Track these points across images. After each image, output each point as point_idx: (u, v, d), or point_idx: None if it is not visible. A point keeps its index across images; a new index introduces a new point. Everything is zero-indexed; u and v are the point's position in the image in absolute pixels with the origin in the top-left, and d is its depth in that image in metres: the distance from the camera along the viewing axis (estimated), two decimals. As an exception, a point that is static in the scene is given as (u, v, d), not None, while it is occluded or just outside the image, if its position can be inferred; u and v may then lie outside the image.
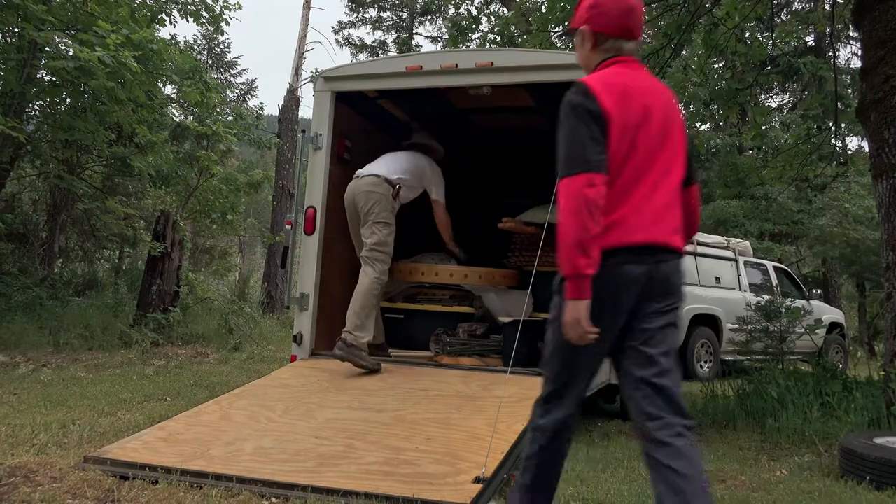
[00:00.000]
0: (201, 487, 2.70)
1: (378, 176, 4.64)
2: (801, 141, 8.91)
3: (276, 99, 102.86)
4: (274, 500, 2.64)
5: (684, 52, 9.92)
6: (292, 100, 15.68)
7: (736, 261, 10.05)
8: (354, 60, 22.63)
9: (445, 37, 21.36)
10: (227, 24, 10.96)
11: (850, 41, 17.71)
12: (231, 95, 24.71)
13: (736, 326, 8.59)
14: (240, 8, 10.85)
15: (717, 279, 9.65)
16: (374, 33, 25.79)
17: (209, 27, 11.51)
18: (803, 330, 7.67)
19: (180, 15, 10.66)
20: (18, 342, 7.22)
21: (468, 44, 10.94)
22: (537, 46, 7.36)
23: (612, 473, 3.43)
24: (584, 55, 2.21)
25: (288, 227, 5.06)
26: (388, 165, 4.75)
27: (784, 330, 7.43)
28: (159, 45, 8.10)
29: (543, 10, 8.36)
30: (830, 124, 8.30)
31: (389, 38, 25.33)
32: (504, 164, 6.51)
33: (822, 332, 9.36)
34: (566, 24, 7.75)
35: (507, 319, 4.77)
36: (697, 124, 12.98)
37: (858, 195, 13.67)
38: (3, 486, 2.68)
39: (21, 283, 9.07)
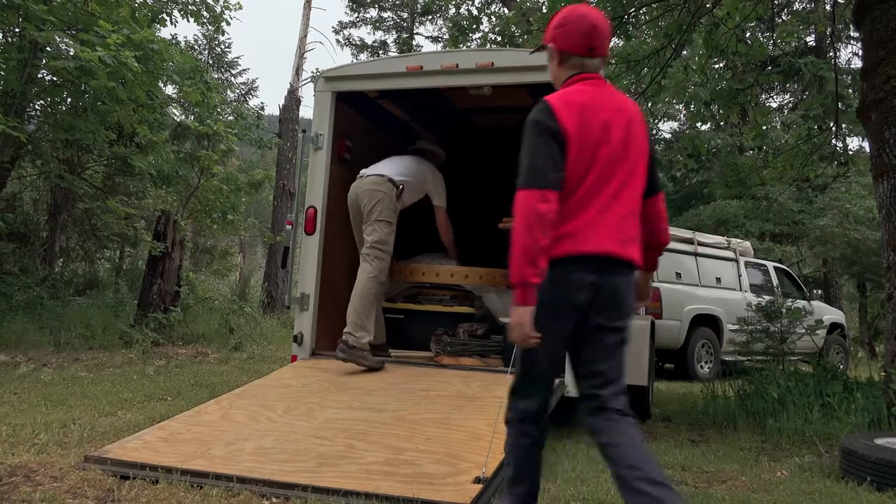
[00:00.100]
0: (202, 487, 2.70)
1: (382, 176, 4.67)
2: (802, 141, 8.90)
3: (276, 99, 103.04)
4: (274, 499, 2.64)
5: (685, 52, 9.91)
6: (293, 100, 15.68)
7: (737, 261, 10.05)
8: (355, 60, 22.64)
9: (446, 37, 21.37)
10: (228, 24, 10.96)
11: (851, 41, 17.71)
12: (232, 95, 24.73)
13: (736, 327, 8.59)
14: (240, 8, 10.85)
15: (718, 279, 9.65)
16: (374, 33, 25.90)
17: (210, 27, 11.51)
18: (804, 330, 7.67)
19: (181, 15, 10.65)
20: (19, 342, 7.23)
21: (469, 44, 10.95)
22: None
23: (612, 474, 3.43)
24: (553, 71, 2.37)
25: (288, 226, 5.07)
26: (392, 167, 4.78)
27: (785, 330, 7.42)
28: (160, 45, 8.10)
29: (544, 11, 8.36)
30: (831, 124, 8.29)
31: (390, 38, 25.36)
32: (504, 164, 6.50)
33: (822, 332, 9.36)
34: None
35: (507, 320, 4.76)
36: (698, 124, 13.00)
37: (859, 195, 13.67)
38: (3, 485, 2.68)
39: (22, 282, 9.08)
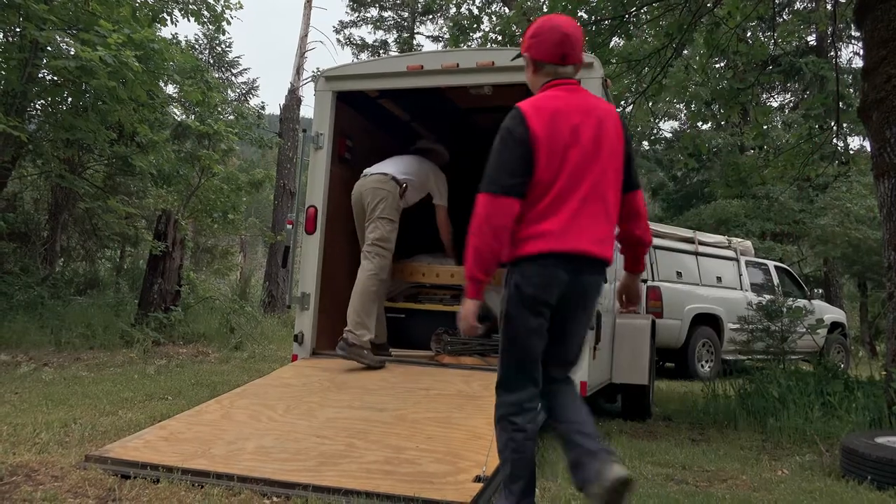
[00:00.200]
0: (202, 486, 2.70)
1: (386, 174, 4.69)
2: (803, 140, 8.90)
3: (277, 98, 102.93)
4: (275, 499, 2.64)
5: (686, 52, 9.91)
6: (293, 99, 15.68)
7: (737, 260, 10.05)
8: (355, 60, 22.63)
9: (446, 36, 21.35)
10: (229, 23, 10.97)
11: (852, 41, 17.69)
12: (232, 95, 24.73)
13: (737, 326, 8.59)
14: (241, 7, 10.87)
15: (719, 279, 9.65)
16: (375, 33, 25.84)
17: (210, 27, 11.52)
18: (805, 329, 7.67)
19: (181, 14, 10.67)
20: (20, 341, 7.23)
21: (469, 43, 10.93)
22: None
23: (613, 473, 3.43)
24: (529, 78, 2.50)
25: (289, 226, 5.06)
26: (395, 166, 4.80)
27: (785, 329, 7.42)
28: (160, 45, 8.10)
29: (545, 10, 8.35)
30: (832, 124, 8.29)
31: (391, 38, 25.35)
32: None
33: (823, 331, 9.36)
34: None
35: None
36: (699, 124, 12.98)
37: (860, 195, 13.66)
38: (4, 484, 2.68)
39: (23, 282, 9.09)
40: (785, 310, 7.50)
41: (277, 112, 16.06)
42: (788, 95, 20.24)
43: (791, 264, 15.28)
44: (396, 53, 23.03)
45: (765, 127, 10.48)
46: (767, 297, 8.30)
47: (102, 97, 7.73)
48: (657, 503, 2.92)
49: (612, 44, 8.51)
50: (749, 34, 10.09)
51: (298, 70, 16.23)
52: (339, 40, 25.80)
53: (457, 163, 5.87)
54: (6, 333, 7.30)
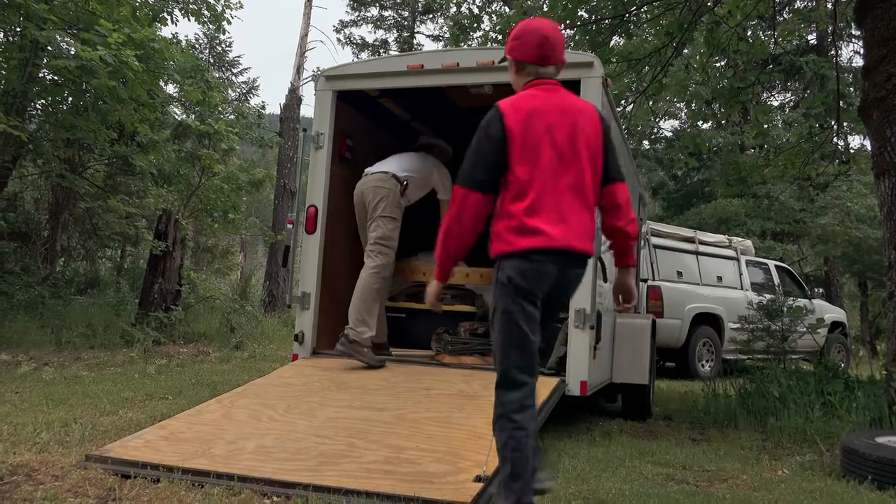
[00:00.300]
0: (202, 486, 2.70)
1: (386, 173, 4.70)
2: (804, 140, 8.90)
3: (277, 98, 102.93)
4: (275, 498, 2.64)
5: (686, 51, 9.90)
6: (294, 98, 15.68)
7: (738, 260, 10.05)
8: (356, 59, 22.62)
9: (447, 35, 21.34)
10: (229, 23, 10.97)
11: (853, 39, 17.68)
12: (233, 94, 24.72)
13: (738, 325, 8.59)
14: (241, 7, 10.86)
15: (719, 278, 9.65)
16: (375, 32, 25.82)
17: (211, 26, 11.52)
18: (805, 329, 7.66)
19: (182, 14, 10.67)
20: (20, 341, 7.23)
21: (470, 42, 10.94)
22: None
23: (613, 472, 3.43)
24: (512, 78, 2.60)
25: (289, 225, 5.07)
26: (396, 164, 4.81)
27: (786, 329, 7.42)
28: (161, 44, 8.10)
29: (545, 9, 8.35)
30: (832, 123, 8.29)
31: (391, 37, 25.35)
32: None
33: (823, 331, 9.36)
34: (568, 22, 7.75)
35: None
36: (699, 123, 12.99)
37: (860, 194, 13.64)
38: (4, 484, 2.68)
39: (23, 281, 9.09)
40: (785, 309, 7.50)
41: (278, 111, 16.07)
42: (789, 94, 20.23)
43: (791, 263, 15.28)
44: (397, 53, 23.02)
45: (765, 126, 10.48)
46: (768, 296, 8.30)
47: (103, 97, 7.73)
48: (657, 503, 2.92)
49: (612, 43, 8.51)
50: (749, 33, 10.09)
51: (299, 69, 16.24)
52: (339, 40, 25.82)
53: (457, 162, 5.87)
54: (7, 333, 7.30)
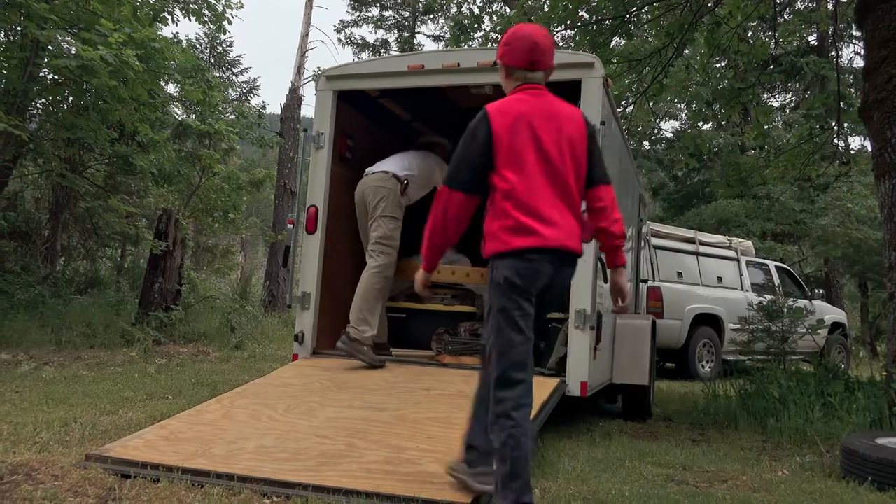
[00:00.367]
0: (202, 486, 2.70)
1: (386, 172, 4.70)
2: (804, 140, 8.90)
3: (278, 98, 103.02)
4: (275, 498, 2.64)
5: (687, 52, 9.90)
6: (294, 98, 15.68)
7: (738, 260, 10.05)
8: (356, 59, 22.62)
9: (447, 36, 21.34)
10: (230, 22, 10.96)
11: (853, 40, 17.68)
12: (233, 94, 24.70)
13: (738, 326, 8.59)
14: (242, 7, 10.85)
15: (720, 279, 9.65)
16: (376, 32, 25.84)
17: (211, 26, 11.51)
18: (805, 330, 7.66)
19: (182, 14, 10.66)
20: (21, 340, 7.23)
21: (470, 43, 10.93)
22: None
23: (613, 473, 3.43)
24: (502, 82, 2.70)
25: (290, 225, 5.06)
26: (396, 163, 4.81)
27: (786, 330, 7.42)
28: (161, 44, 8.10)
29: (545, 9, 8.35)
30: (833, 124, 8.29)
31: (391, 37, 25.34)
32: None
33: (824, 332, 9.35)
34: (568, 22, 7.75)
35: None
36: (700, 124, 12.97)
37: (861, 195, 13.65)
38: (4, 483, 2.68)
39: (23, 281, 9.08)
40: (785, 310, 7.50)
41: (278, 111, 16.08)
42: (789, 95, 20.23)
43: (792, 264, 15.27)
44: (397, 53, 23.03)
45: (766, 127, 10.47)
46: (768, 297, 8.30)
47: (103, 96, 7.73)
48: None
49: (613, 43, 8.51)
50: (750, 34, 10.08)
51: (299, 69, 16.23)
52: (339, 40, 25.79)
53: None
54: (7, 332, 7.30)
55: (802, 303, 8.96)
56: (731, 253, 10.06)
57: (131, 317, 8.69)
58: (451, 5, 20.94)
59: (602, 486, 3.13)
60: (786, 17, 13.55)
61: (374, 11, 25.36)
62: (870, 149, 5.20)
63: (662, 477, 3.46)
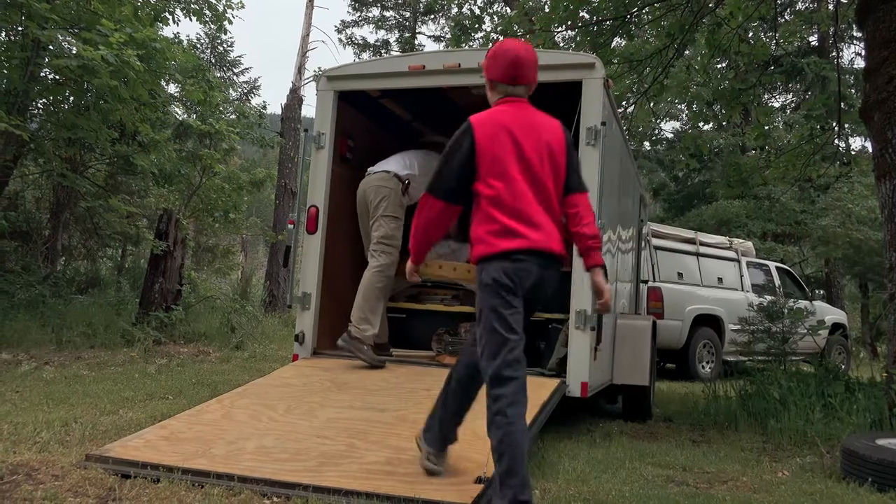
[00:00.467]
0: (202, 486, 2.70)
1: (388, 172, 4.71)
2: (805, 141, 8.89)
3: (278, 98, 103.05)
4: (275, 499, 2.64)
5: (687, 52, 9.90)
6: (295, 98, 15.68)
7: (738, 261, 10.05)
8: (357, 60, 22.63)
9: (448, 36, 21.34)
10: (230, 22, 10.96)
11: (854, 41, 17.66)
12: (234, 94, 24.70)
13: (738, 327, 8.59)
14: (242, 7, 10.86)
15: (720, 279, 9.64)
16: (376, 32, 25.82)
17: (212, 26, 11.51)
18: (806, 331, 7.66)
19: (183, 14, 10.66)
20: (21, 340, 7.23)
21: (471, 43, 10.93)
22: (540, 46, 7.35)
23: (613, 474, 3.43)
24: (487, 94, 2.80)
25: (290, 225, 5.06)
26: (398, 162, 4.82)
27: (786, 331, 7.41)
28: (162, 44, 8.10)
29: (546, 10, 8.35)
30: (834, 125, 8.29)
31: (392, 38, 25.35)
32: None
33: (824, 333, 9.35)
34: (569, 23, 7.75)
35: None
36: (700, 124, 12.99)
37: (862, 196, 13.64)
38: (4, 483, 2.68)
39: (24, 280, 9.08)
40: (786, 311, 7.49)
41: (279, 111, 16.07)
42: (790, 96, 20.22)
43: (792, 265, 15.26)
44: (398, 53, 23.03)
45: (766, 127, 10.48)
46: (768, 298, 8.29)
47: (104, 96, 7.73)
48: (658, 504, 2.92)
49: (613, 44, 8.51)
50: (751, 34, 10.07)
51: (300, 69, 16.24)
52: (340, 40, 25.81)
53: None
54: (7, 332, 7.30)
55: (803, 303, 8.95)
56: (731, 254, 10.05)
57: (132, 317, 8.69)
58: (452, 6, 20.93)
59: (602, 486, 3.13)
60: (786, 17, 13.55)
61: (375, 12, 25.38)
62: (870, 149, 5.20)
63: (662, 478, 3.46)
